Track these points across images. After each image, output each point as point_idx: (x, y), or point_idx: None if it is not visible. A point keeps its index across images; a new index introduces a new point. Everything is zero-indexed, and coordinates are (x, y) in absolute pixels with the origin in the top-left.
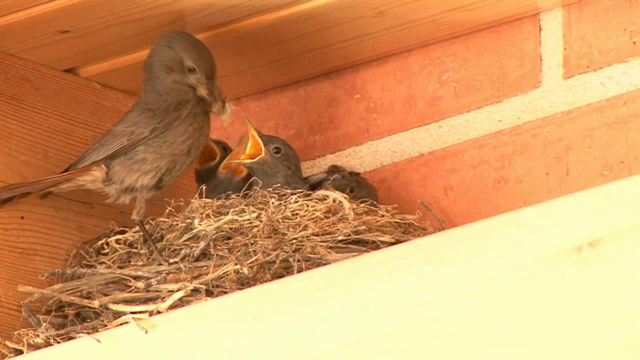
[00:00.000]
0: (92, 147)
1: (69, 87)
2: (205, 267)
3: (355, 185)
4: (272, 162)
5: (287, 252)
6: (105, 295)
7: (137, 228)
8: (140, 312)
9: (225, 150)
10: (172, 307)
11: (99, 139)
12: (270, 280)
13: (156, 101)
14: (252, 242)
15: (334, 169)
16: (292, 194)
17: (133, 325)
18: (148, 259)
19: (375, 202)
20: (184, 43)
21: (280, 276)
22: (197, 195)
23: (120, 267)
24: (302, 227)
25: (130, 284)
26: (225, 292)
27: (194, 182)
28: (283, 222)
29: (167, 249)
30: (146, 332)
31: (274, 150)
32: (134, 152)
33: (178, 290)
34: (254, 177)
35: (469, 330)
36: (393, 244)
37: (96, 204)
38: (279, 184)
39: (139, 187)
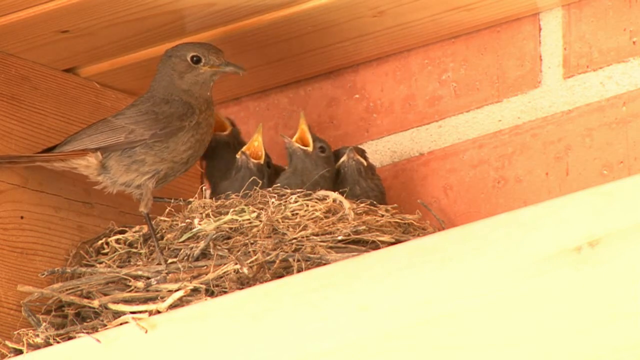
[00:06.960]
0: (86, 131)
1: (69, 87)
2: (205, 267)
3: (367, 156)
4: (315, 158)
5: (286, 252)
6: (105, 294)
7: (137, 228)
8: (140, 312)
9: (234, 125)
10: (172, 306)
11: (95, 126)
12: (270, 280)
13: (162, 106)
14: (252, 242)
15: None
16: (292, 193)
17: (133, 325)
18: (148, 258)
19: (382, 189)
20: (178, 47)
21: (280, 276)
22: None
23: (120, 267)
24: (301, 227)
25: (130, 284)
26: (225, 292)
27: (196, 180)
28: (283, 222)
29: (167, 248)
30: (146, 332)
31: (320, 150)
32: (133, 151)
33: (178, 290)
34: (254, 177)
35: (469, 330)
36: (393, 244)
37: (96, 203)
38: (313, 181)
39: (134, 186)
